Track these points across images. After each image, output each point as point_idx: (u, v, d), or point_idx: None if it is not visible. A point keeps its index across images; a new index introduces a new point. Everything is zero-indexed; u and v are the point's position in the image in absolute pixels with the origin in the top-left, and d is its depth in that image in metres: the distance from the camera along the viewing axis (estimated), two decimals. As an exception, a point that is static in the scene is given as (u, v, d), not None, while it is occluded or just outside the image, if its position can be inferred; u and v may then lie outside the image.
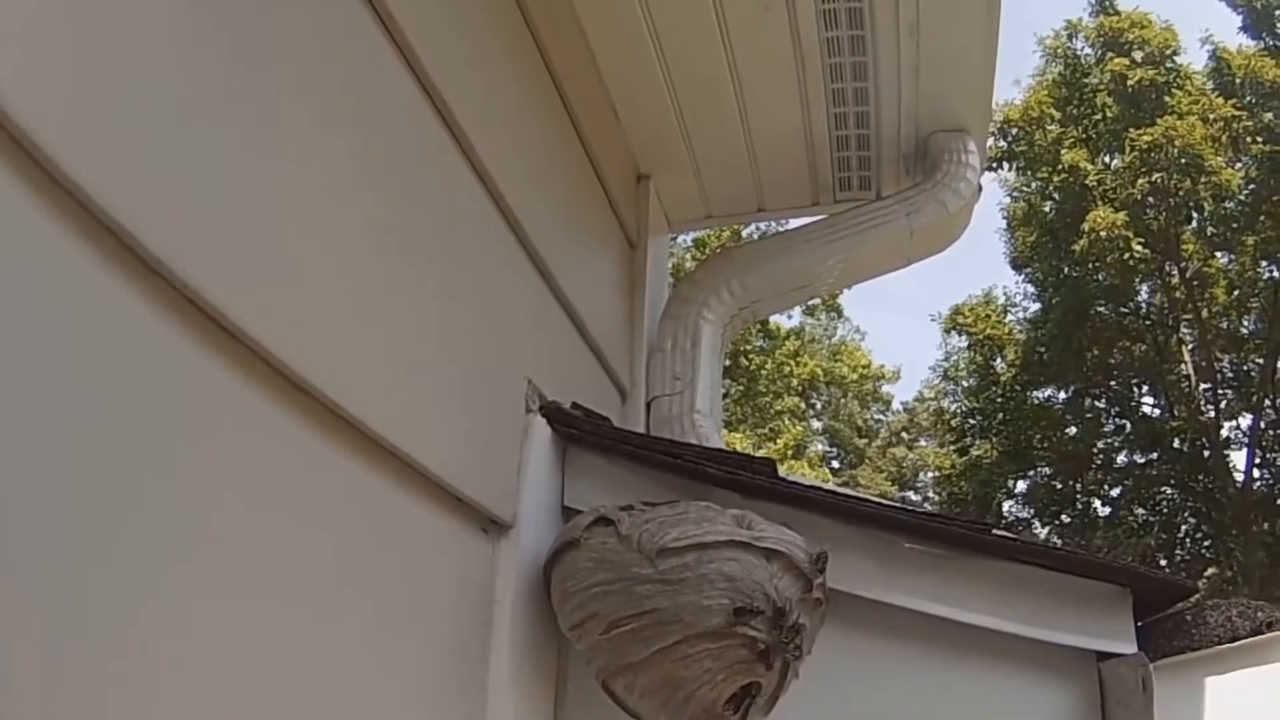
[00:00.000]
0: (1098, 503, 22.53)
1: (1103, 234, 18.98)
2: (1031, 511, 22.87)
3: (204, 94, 1.29)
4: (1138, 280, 20.92)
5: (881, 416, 32.98)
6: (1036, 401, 22.27)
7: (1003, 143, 21.45)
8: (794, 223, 3.94)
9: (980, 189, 3.68)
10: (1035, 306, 22.54)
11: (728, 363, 23.80)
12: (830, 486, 2.51)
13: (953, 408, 24.88)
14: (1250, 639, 2.09)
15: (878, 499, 2.31)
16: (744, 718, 1.85)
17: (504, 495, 2.09)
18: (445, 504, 1.90)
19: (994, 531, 2.20)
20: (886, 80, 3.36)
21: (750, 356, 24.80)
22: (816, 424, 30.61)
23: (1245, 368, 21.05)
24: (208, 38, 1.31)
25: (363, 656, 1.62)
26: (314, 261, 1.52)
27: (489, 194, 2.17)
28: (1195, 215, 19.92)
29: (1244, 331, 20.88)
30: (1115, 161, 20.37)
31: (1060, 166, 20.55)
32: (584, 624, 1.91)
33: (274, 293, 1.41)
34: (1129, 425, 22.10)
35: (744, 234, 17.61)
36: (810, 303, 23.37)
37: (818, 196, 3.86)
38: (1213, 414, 20.90)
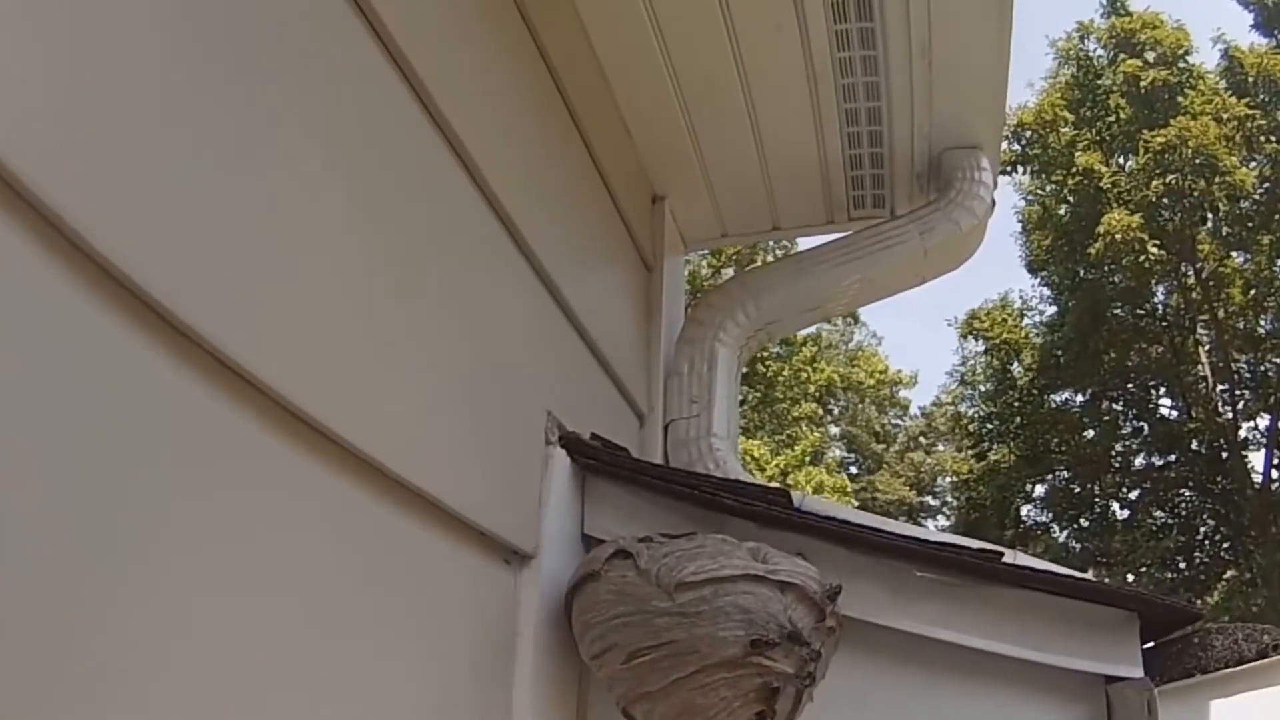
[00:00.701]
0: (1116, 505, 22.50)
1: (1118, 236, 18.97)
2: (1050, 515, 22.85)
3: (213, 144, 1.31)
4: (1153, 282, 20.89)
5: (899, 422, 33.01)
6: (1054, 405, 22.26)
7: (1016, 146, 21.45)
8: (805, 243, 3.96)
9: (994, 204, 3.68)
10: (1051, 310, 22.58)
11: (745, 370, 23.80)
12: (844, 515, 2.52)
13: (970, 412, 24.87)
14: (1255, 662, 2.11)
15: (889, 529, 2.32)
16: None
17: (525, 526, 2.12)
18: (468, 537, 1.93)
19: (1004, 559, 2.22)
20: (899, 100, 3.37)
21: (767, 363, 24.79)
22: (834, 430, 30.63)
23: (1262, 368, 20.99)
24: (210, 74, 1.33)
25: (389, 686, 1.65)
26: (331, 312, 1.54)
27: (504, 227, 2.19)
28: (1210, 216, 19.87)
29: (1261, 331, 20.82)
30: (1129, 163, 20.37)
31: (1074, 169, 20.55)
32: (604, 654, 1.95)
33: (294, 345, 1.44)
34: (1147, 427, 22.06)
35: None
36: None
37: (832, 215, 3.87)
38: (1230, 415, 20.86)
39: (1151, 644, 2.23)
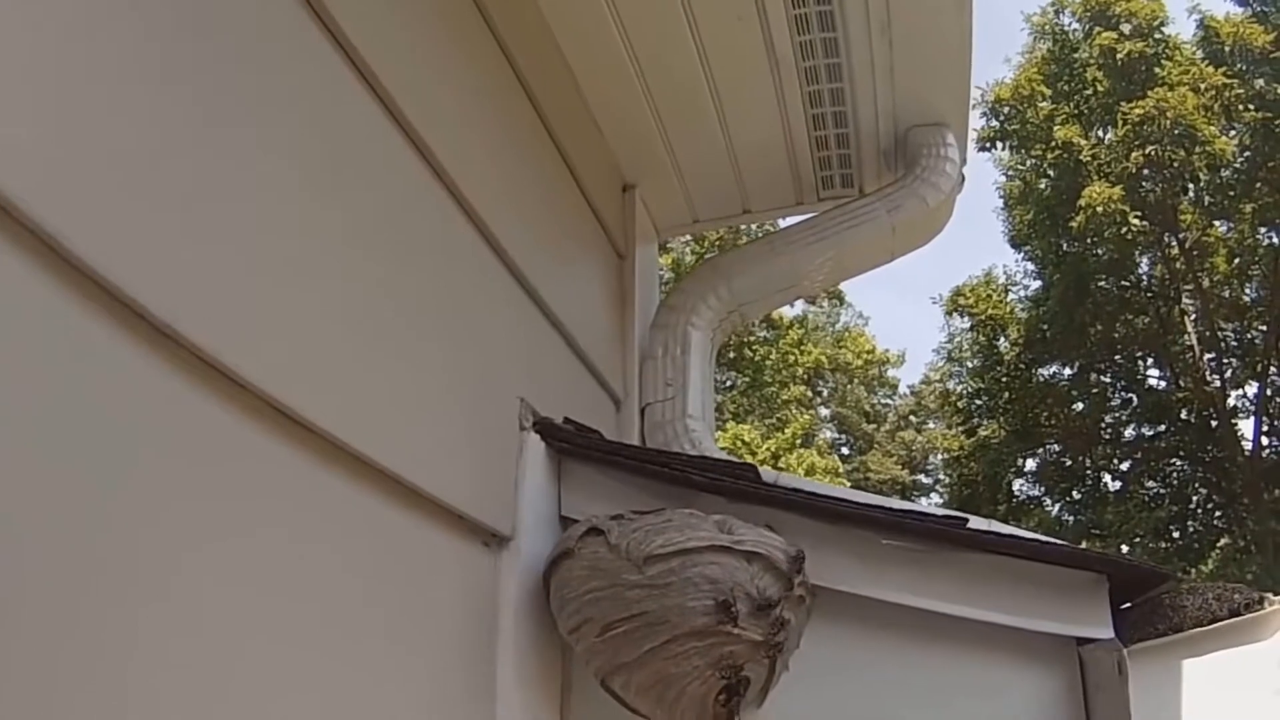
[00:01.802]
0: (1108, 477, 22.58)
1: (1099, 209, 19.00)
2: (1042, 489, 22.94)
3: (198, 161, 1.36)
4: (1137, 253, 20.94)
5: (889, 401, 33.09)
6: (1042, 379, 22.31)
7: (995, 122, 21.51)
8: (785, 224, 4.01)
9: (963, 179, 3.73)
10: (1036, 284, 22.63)
11: (732, 355, 23.88)
12: (811, 488, 2.58)
13: (958, 389, 24.95)
14: (1227, 621, 2.15)
15: (855, 499, 2.38)
16: (736, 710, 1.95)
17: (503, 510, 2.19)
18: (448, 522, 2.00)
19: (969, 525, 2.27)
20: (862, 80, 3.42)
21: (754, 347, 24.85)
22: (824, 411, 30.70)
23: (1249, 335, 21.07)
24: (192, 98, 1.38)
25: (376, 667, 1.72)
26: (310, 311, 1.60)
27: (472, 223, 2.24)
28: (1191, 186, 19.91)
29: (1246, 299, 20.91)
30: (1108, 136, 20.40)
31: (1054, 143, 20.57)
32: (580, 628, 2.03)
33: (276, 343, 1.50)
34: (1135, 399, 22.14)
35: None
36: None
37: (801, 196, 3.93)
38: (1218, 383, 20.95)
39: (1125, 605, 2.28)
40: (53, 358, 1.12)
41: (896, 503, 3.20)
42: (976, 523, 2.38)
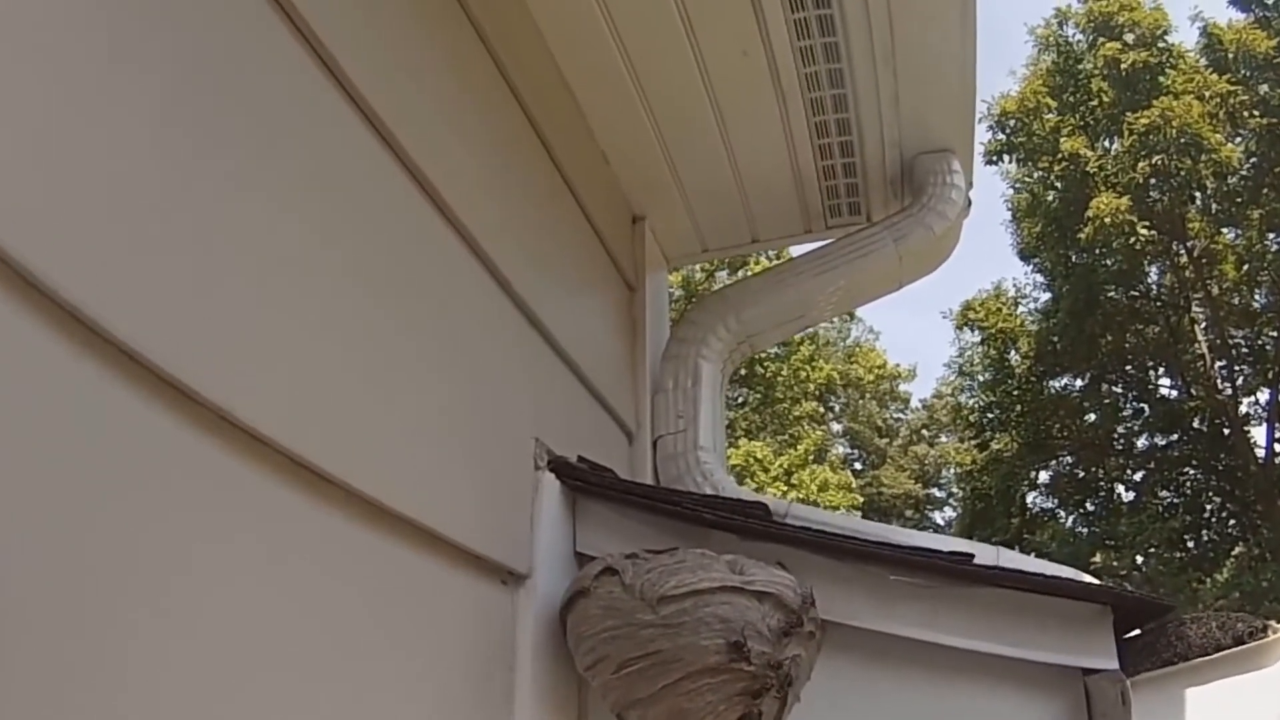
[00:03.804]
0: (1121, 488, 22.53)
1: (1107, 219, 18.99)
2: (1055, 501, 22.88)
3: (200, 211, 1.39)
4: (1146, 263, 20.90)
5: (901, 415, 33.05)
6: (1053, 391, 22.27)
7: (1001, 135, 21.48)
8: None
9: (969, 204, 3.75)
10: (1045, 296, 22.57)
11: (743, 372, 23.86)
12: (827, 521, 2.63)
13: (970, 403, 24.87)
14: (1230, 650, 2.17)
15: (866, 535, 2.41)
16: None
17: (519, 548, 2.24)
18: (465, 561, 2.04)
19: (974, 559, 2.30)
20: (867, 109, 3.45)
21: (766, 364, 24.84)
22: (836, 427, 30.67)
23: (1260, 342, 21.00)
24: (195, 147, 1.41)
25: (396, 706, 1.77)
26: (322, 364, 1.64)
27: (483, 265, 2.28)
28: (1198, 194, 19.87)
29: (1256, 305, 20.85)
30: (1114, 146, 20.37)
31: (1060, 155, 20.55)
32: (596, 665, 2.09)
33: (294, 400, 1.54)
34: (1147, 408, 22.08)
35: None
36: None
37: (809, 225, 3.96)
38: (1230, 391, 20.89)
39: (1132, 635, 2.30)
40: (59, 419, 1.15)
41: (905, 535, 3.22)
42: (984, 553, 2.42)
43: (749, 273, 15.67)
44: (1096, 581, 2.64)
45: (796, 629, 2.00)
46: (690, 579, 2.01)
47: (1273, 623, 2.24)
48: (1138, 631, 2.32)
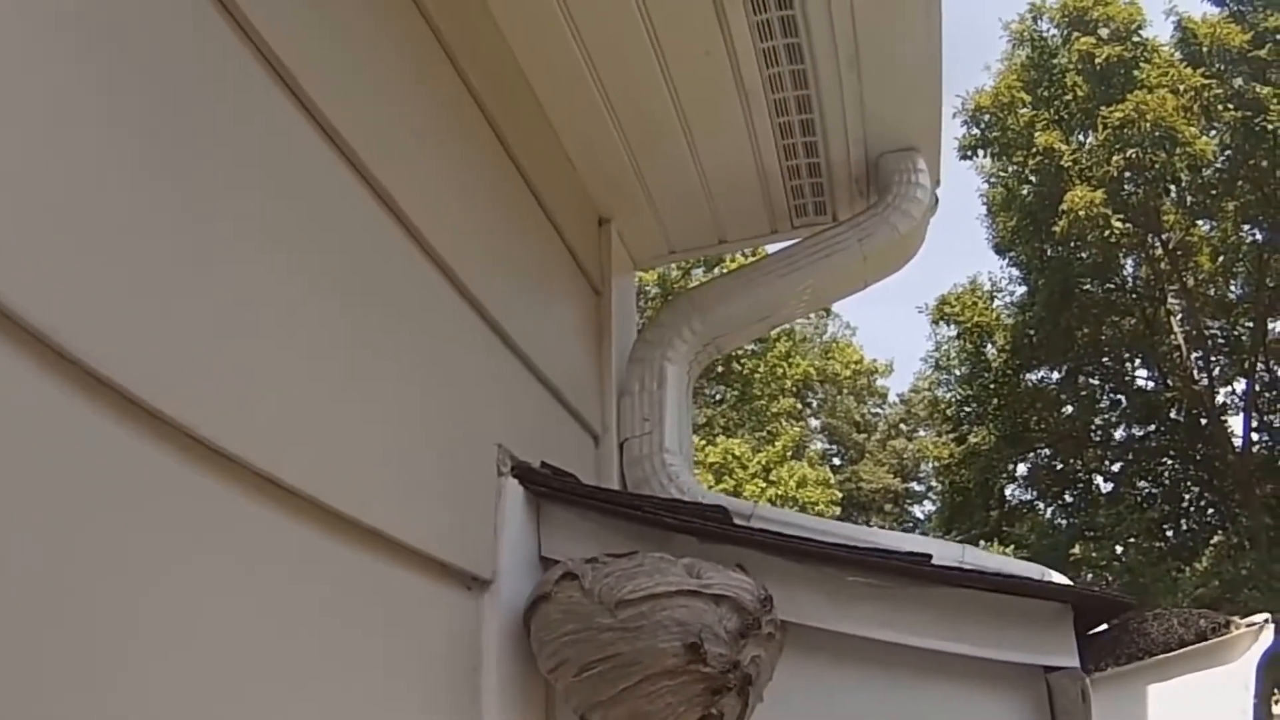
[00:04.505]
0: (1100, 479, 22.66)
1: (1081, 213, 19.08)
2: (1034, 493, 23.02)
3: (162, 232, 1.39)
4: (1121, 255, 21.04)
5: (878, 410, 33.14)
6: (1030, 384, 22.40)
7: (976, 130, 21.58)
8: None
9: (936, 201, 3.77)
10: (1021, 290, 22.72)
11: (720, 369, 23.90)
12: (791, 521, 2.65)
13: (947, 396, 24.98)
14: (1191, 646, 2.19)
15: (824, 536, 2.43)
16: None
17: (484, 555, 2.25)
18: (430, 569, 2.06)
19: (932, 560, 2.32)
20: (831, 110, 3.45)
21: (743, 361, 24.88)
22: (814, 423, 30.75)
23: (1235, 332, 21.17)
24: (163, 173, 1.41)
25: (367, 710, 1.79)
26: (284, 379, 1.65)
27: (445, 275, 2.28)
28: (1173, 187, 20.00)
29: (1231, 296, 21.02)
30: (1089, 140, 20.48)
31: (1034, 149, 20.65)
32: (558, 668, 2.12)
33: (259, 415, 1.55)
34: (1124, 400, 22.24)
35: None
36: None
37: (776, 225, 3.97)
38: (1206, 381, 21.04)
39: (1095, 631, 2.32)
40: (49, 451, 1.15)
41: (870, 535, 3.24)
42: (949, 552, 2.43)
43: (724, 270, 15.66)
44: (1062, 579, 2.66)
45: (754, 631, 2.02)
46: (648, 583, 2.04)
47: (1235, 619, 2.26)
48: (1102, 628, 2.34)
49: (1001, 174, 22.28)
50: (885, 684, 2.35)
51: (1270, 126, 18.68)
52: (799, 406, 27.84)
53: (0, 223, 1.13)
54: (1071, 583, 2.74)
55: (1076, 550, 20.72)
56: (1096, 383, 22.56)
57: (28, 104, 1.20)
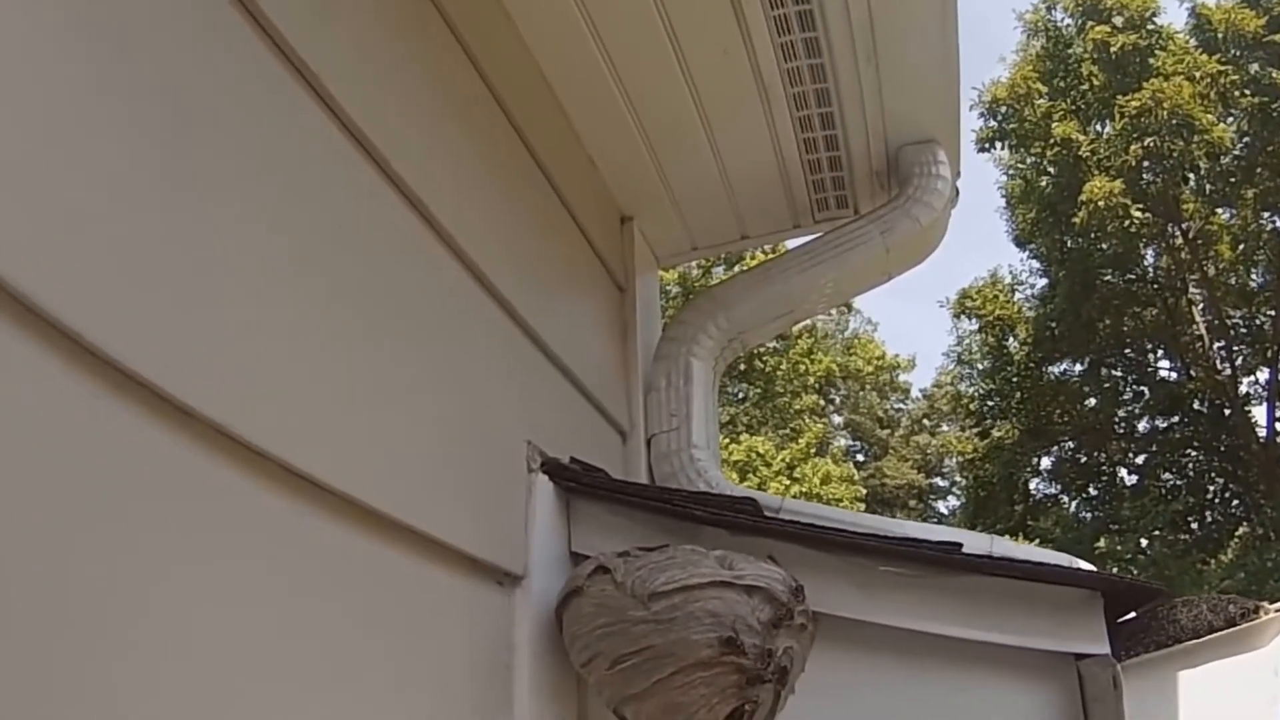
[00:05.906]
0: (1124, 471, 22.54)
1: (1101, 203, 19.00)
2: (1058, 487, 22.90)
3: (190, 230, 1.41)
4: (1141, 245, 20.92)
5: (901, 405, 33.04)
6: (1052, 377, 22.29)
7: (993, 122, 21.50)
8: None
9: (957, 193, 3.77)
10: (1042, 282, 22.62)
11: (743, 367, 23.87)
12: (820, 514, 2.66)
13: (970, 391, 24.88)
14: (1221, 632, 2.19)
15: (854, 528, 2.44)
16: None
17: (515, 550, 2.27)
18: (461, 565, 2.08)
19: (963, 549, 2.32)
20: (850, 103, 3.46)
21: (765, 358, 24.85)
22: (837, 419, 30.67)
23: (1258, 321, 21.02)
24: (182, 170, 1.43)
25: (398, 708, 1.81)
26: (317, 377, 1.67)
27: (472, 274, 2.31)
28: (1192, 175, 19.89)
29: (1253, 285, 20.87)
30: (1106, 130, 20.40)
31: (1052, 140, 20.58)
32: (591, 662, 2.12)
33: (289, 411, 1.57)
34: (1147, 391, 22.11)
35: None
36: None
37: (797, 219, 3.98)
38: (1229, 371, 20.91)
39: (1125, 619, 2.33)
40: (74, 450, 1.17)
41: (898, 526, 3.24)
42: (978, 543, 2.43)
43: (744, 268, 15.67)
44: (1089, 567, 2.66)
45: (786, 621, 2.02)
46: (680, 575, 2.04)
47: (1264, 604, 2.26)
48: (1131, 616, 2.34)
49: (1020, 166, 22.20)
50: (916, 673, 2.35)
51: (1288, 112, 18.60)
52: (822, 403, 27.79)
53: (32, 226, 1.15)
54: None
55: (1101, 544, 20.61)
56: (1119, 374, 22.44)
57: (57, 109, 1.22)
